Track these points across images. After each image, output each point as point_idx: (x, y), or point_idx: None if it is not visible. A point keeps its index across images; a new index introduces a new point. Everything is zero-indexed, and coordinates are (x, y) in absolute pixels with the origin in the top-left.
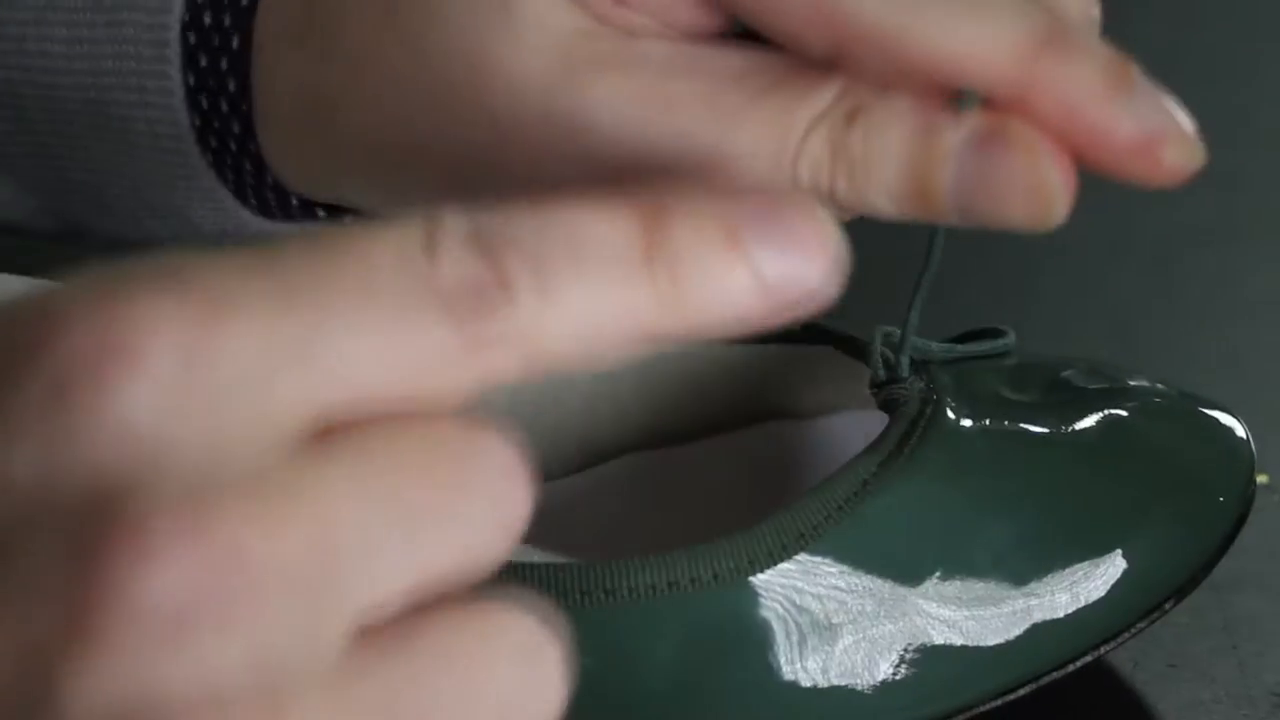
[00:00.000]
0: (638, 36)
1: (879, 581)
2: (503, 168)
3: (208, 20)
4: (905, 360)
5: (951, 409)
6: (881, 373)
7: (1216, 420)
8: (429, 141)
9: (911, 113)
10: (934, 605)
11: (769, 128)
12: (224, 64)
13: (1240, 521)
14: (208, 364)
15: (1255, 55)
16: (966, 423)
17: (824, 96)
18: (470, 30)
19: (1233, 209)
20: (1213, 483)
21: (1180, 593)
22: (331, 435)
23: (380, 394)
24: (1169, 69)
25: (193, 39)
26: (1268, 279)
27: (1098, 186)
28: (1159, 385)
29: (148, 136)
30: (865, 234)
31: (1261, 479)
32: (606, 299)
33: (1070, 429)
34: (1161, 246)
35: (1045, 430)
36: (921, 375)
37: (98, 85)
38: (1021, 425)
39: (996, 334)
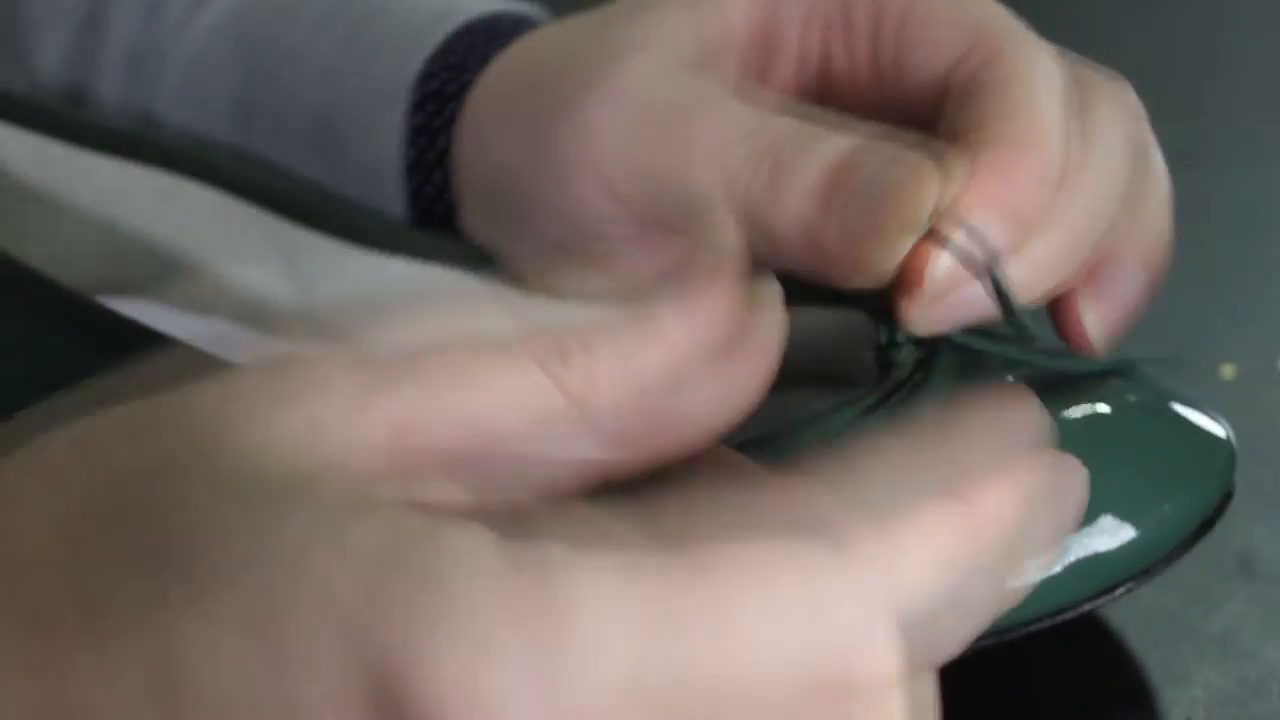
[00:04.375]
0: None
1: None
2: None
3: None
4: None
5: (942, 381)
6: (884, 338)
7: (1197, 421)
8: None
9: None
10: None
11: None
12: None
13: (1218, 512)
14: None
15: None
16: (953, 393)
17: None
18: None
19: None
20: (1189, 474)
21: (1147, 574)
22: None
23: None
24: None
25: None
26: None
27: None
28: (1146, 388)
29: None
30: None
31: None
32: None
33: (1055, 415)
34: None
35: None
36: (924, 348)
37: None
38: None
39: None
